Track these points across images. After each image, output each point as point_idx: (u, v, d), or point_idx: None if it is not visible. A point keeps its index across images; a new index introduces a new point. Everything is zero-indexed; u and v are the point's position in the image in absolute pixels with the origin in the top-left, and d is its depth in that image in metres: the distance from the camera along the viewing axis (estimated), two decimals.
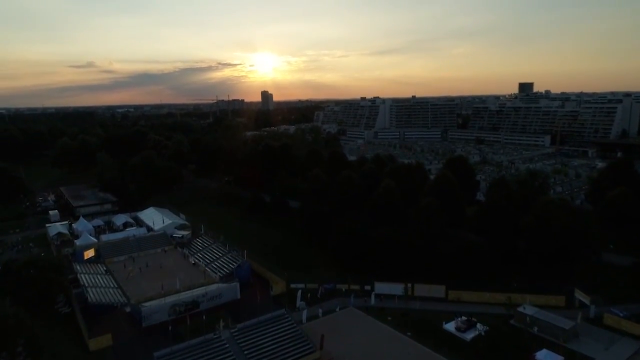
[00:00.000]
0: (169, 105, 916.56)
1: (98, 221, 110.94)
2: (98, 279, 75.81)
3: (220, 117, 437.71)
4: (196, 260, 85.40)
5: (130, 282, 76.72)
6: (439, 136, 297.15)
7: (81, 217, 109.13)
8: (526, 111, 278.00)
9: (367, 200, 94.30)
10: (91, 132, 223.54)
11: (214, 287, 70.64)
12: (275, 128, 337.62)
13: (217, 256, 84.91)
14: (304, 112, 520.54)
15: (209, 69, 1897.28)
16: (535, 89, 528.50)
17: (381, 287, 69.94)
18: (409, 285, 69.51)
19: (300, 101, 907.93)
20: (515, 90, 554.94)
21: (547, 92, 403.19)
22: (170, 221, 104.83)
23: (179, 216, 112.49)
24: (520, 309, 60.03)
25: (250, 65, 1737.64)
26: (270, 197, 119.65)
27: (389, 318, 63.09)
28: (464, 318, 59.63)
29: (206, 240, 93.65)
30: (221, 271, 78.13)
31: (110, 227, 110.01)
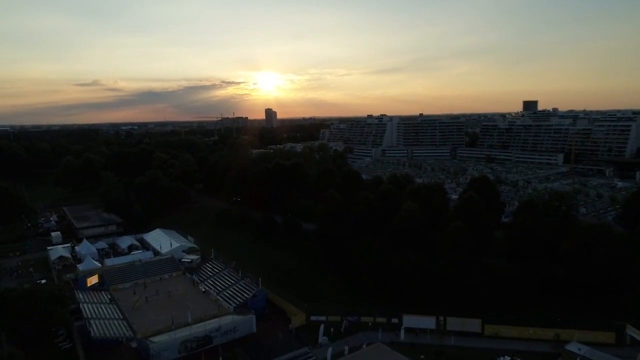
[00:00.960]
0: (173, 123, 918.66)
1: (102, 244, 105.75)
2: (102, 309, 70.23)
3: (225, 134, 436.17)
4: (206, 288, 79.77)
5: (136, 313, 71.06)
6: (448, 154, 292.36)
7: (84, 240, 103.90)
8: (536, 129, 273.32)
9: (386, 224, 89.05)
10: (95, 150, 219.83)
11: (228, 319, 64.88)
12: (282, 146, 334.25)
13: (229, 283, 79.34)
14: (308, 129, 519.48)
15: (213, 87, 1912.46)
16: (539, 107, 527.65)
17: (410, 320, 64.13)
18: (441, 318, 63.70)
19: (304, 119, 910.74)
20: (518, 108, 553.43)
21: (555, 109, 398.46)
22: (178, 244, 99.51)
23: (186, 239, 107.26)
24: (569, 347, 54.02)
25: (254, 84, 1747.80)
26: (282, 218, 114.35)
27: (422, 357, 57.22)
28: (507, 358, 53.69)
29: (217, 265, 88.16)
30: (234, 301, 72.50)
31: (115, 250, 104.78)
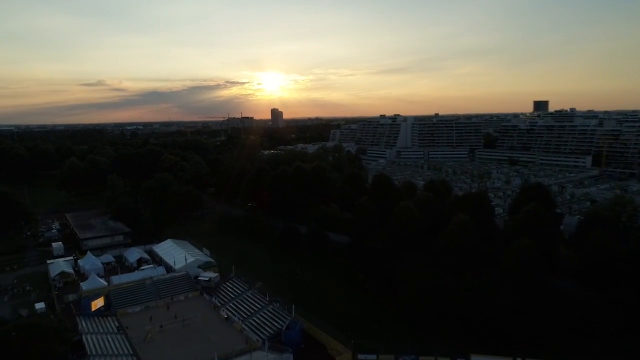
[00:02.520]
0: (178, 123, 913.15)
1: (108, 257, 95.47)
2: (108, 342, 59.62)
3: (233, 135, 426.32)
4: (229, 314, 69.04)
5: (150, 346, 60.40)
6: (466, 156, 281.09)
7: (88, 253, 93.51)
8: (560, 130, 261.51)
9: (430, 238, 78.34)
10: (100, 151, 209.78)
11: (260, 357, 54.17)
12: (292, 147, 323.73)
13: (255, 309, 68.78)
14: (315, 130, 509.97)
15: (217, 87, 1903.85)
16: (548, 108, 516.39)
17: None
18: (518, 359, 52.64)
19: (309, 119, 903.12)
20: (524, 108, 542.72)
21: (573, 110, 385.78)
22: (193, 258, 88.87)
23: (201, 251, 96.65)
24: None
25: (258, 84, 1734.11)
26: (306, 228, 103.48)
27: None
28: None
29: (238, 285, 77.50)
30: (263, 331, 61.84)
31: (122, 264, 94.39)
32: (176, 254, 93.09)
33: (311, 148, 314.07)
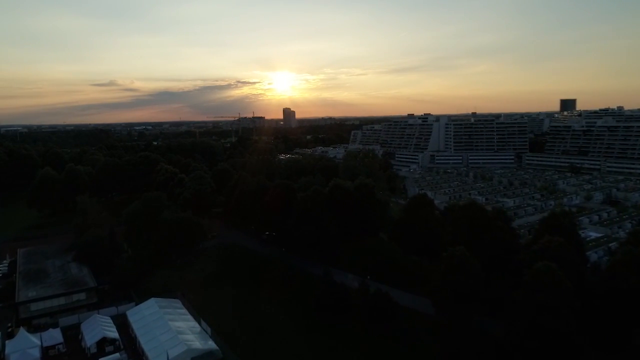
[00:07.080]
0: (188, 123, 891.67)
1: (54, 333, 61.58)
2: None
3: (244, 136, 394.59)
4: None
5: None
6: (512, 161, 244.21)
7: (21, 330, 59.75)
8: (626, 131, 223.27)
9: (600, 338, 43.46)
10: (89, 157, 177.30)
11: None
12: (310, 150, 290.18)
13: None
14: (332, 130, 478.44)
15: (228, 87, 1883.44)
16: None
17: None
18: None
19: (322, 119, 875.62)
20: (542, 107, 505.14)
21: (620, 108, 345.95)
22: (184, 347, 54.68)
23: (199, 324, 62.62)
24: None
25: (269, 84, 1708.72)
26: (357, 280, 69.14)
27: None
28: None
29: None
30: None
31: (77, 344, 60.66)
32: (159, 331, 59.30)
33: (332, 151, 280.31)
